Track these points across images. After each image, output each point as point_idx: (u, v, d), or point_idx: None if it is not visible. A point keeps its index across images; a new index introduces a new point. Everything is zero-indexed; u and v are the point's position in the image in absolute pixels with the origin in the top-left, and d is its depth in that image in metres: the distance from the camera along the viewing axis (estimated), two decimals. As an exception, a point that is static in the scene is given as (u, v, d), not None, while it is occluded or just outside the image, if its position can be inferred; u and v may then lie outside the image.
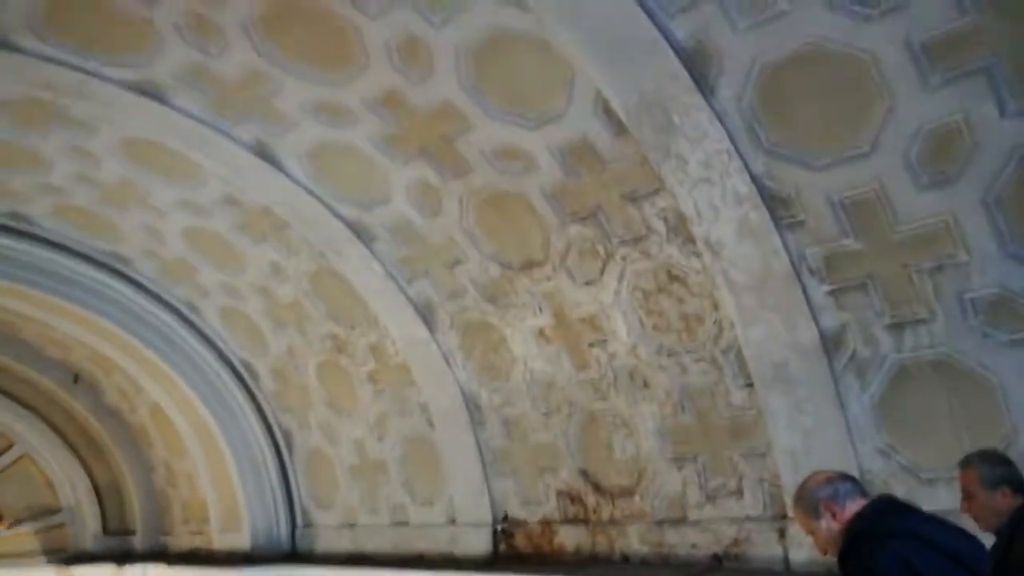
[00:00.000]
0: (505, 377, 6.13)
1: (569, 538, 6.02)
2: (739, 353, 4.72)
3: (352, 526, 8.15)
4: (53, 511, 10.56)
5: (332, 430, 8.07)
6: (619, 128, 4.48)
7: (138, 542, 10.65)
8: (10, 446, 10.35)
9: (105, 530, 10.67)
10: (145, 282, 7.97)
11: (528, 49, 4.39)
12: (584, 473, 5.91)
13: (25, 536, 10.32)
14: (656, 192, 4.67)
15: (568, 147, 4.77)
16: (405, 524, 7.53)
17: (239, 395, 8.51)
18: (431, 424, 6.86)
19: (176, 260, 7.56)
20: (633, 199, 4.81)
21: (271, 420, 8.69)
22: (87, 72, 5.18)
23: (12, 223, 7.38)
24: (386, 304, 6.64)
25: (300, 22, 4.58)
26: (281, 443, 8.73)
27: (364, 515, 8.02)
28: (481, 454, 6.48)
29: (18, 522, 10.24)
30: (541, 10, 4.07)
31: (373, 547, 7.79)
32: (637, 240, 4.95)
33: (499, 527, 6.56)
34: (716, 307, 4.76)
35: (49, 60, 5.10)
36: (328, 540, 8.48)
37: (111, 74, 5.21)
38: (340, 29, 4.56)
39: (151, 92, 5.33)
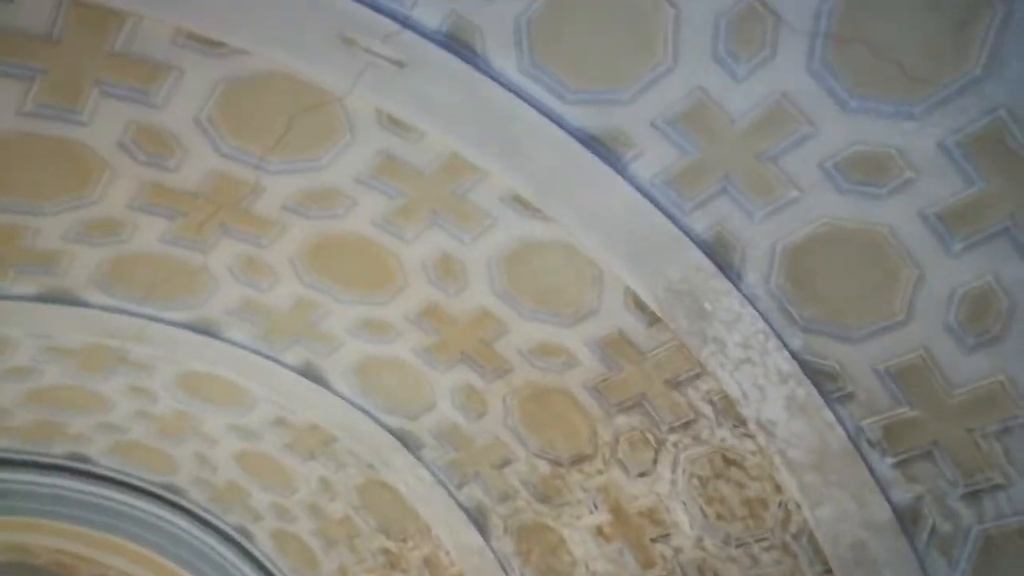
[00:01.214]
0: (568, 582, 5.86)
1: None
2: (811, 537, 4.49)
3: None
4: None
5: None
6: (652, 318, 4.58)
7: None
8: None
9: None
10: (198, 511, 7.96)
11: (554, 253, 4.61)
12: None
13: None
14: (698, 376, 4.67)
15: (605, 341, 4.86)
16: None
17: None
18: (495, 639, 6.46)
19: (228, 485, 7.59)
20: (676, 384, 4.81)
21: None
22: (146, 317, 5.52)
23: (71, 463, 7.56)
24: (437, 512, 6.51)
25: (342, 253, 4.90)
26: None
27: None
28: (551, 670, 6.05)
29: None
30: (562, 218, 4.33)
31: None
32: (686, 425, 4.88)
33: None
34: (778, 489, 4.59)
35: (112, 310, 5.46)
36: None
37: (168, 317, 5.55)
38: (380, 255, 4.87)
39: (205, 329, 5.64)
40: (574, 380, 5.17)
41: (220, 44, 3.58)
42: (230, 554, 8.15)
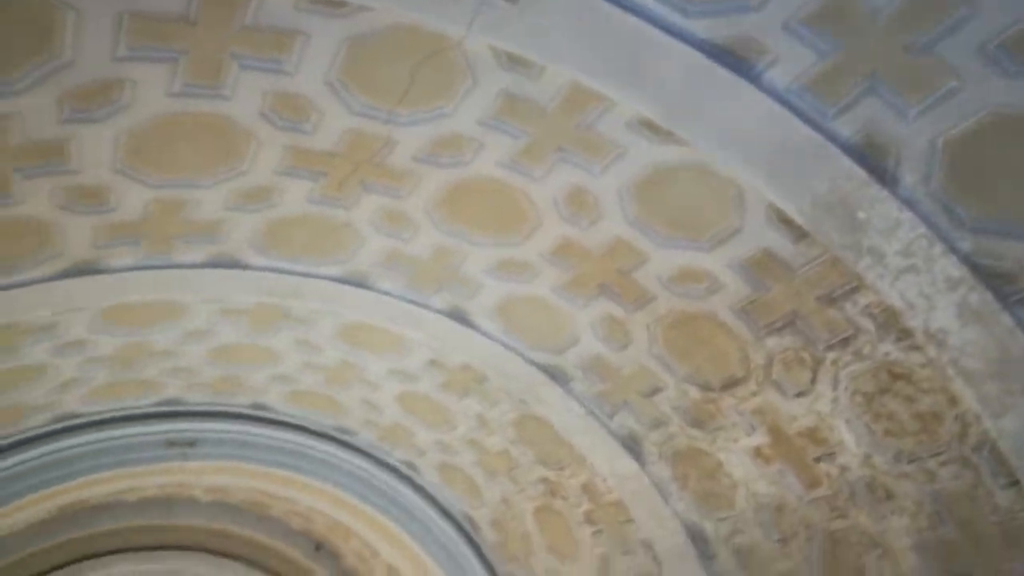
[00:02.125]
0: (728, 505, 5.83)
1: None
2: (994, 449, 4.20)
3: (595, 677, 7.83)
4: None
5: (557, 574, 7.97)
6: (799, 234, 4.35)
7: None
8: (270, 617, 11.13)
9: None
10: (369, 449, 8.55)
11: (689, 176, 4.45)
12: (839, 602, 5.36)
13: None
14: (855, 290, 4.42)
15: (749, 261, 4.68)
16: (649, 671, 7.13)
17: (466, 549, 8.69)
18: (657, 562, 6.59)
19: (392, 425, 8.08)
20: (831, 300, 4.57)
21: (498, 571, 8.74)
22: (302, 275, 5.88)
23: (255, 412, 8.30)
24: (590, 442, 6.63)
25: (475, 198, 4.98)
26: (512, 593, 8.73)
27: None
28: (718, 590, 6.11)
29: None
30: (695, 139, 4.15)
31: None
32: (845, 342, 4.66)
33: (752, 670, 6.03)
34: (954, 401, 4.31)
35: (271, 271, 5.86)
36: None
37: (322, 272, 5.88)
38: (511, 196, 4.90)
39: (357, 282, 5.93)
40: (719, 304, 5.04)
41: (341, 4, 3.65)
42: (400, 486, 8.73)
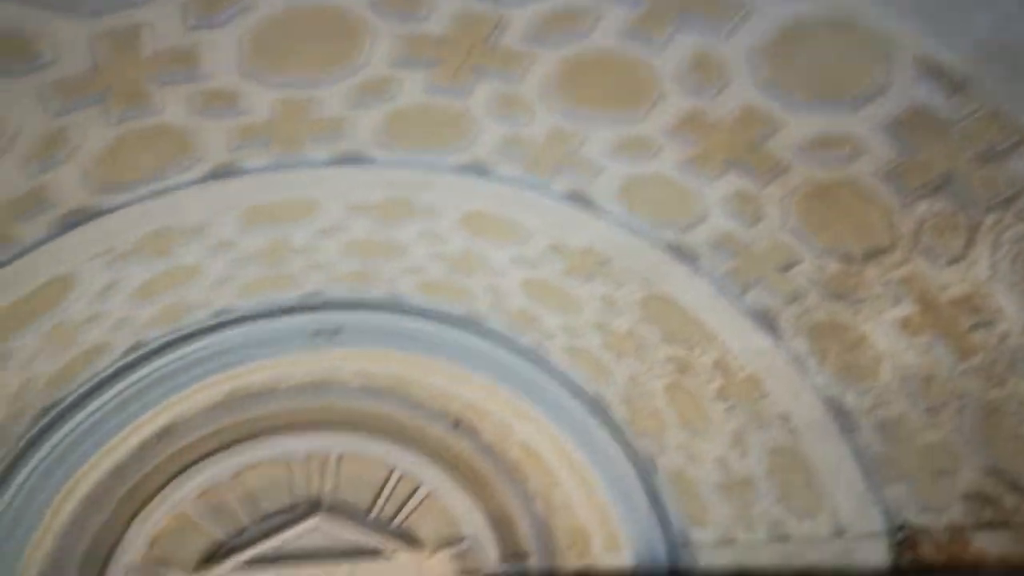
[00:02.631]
0: (871, 377, 5.63)
1: (990, 545, 5.28)
2: None
3: (730, 542, 8.06)
4: (460, 540, 12.04)
5: (691, 450, 8.10)
6: (955, 86, 3.93)
7: (533, 565, 11.68)
8: (417, 487, 12.06)
9: (504, 555, 11.89)
10: (499, 334, 8.81)
11: (828, 31, 4.07)
12: (995, 471, 5.15)
13: (445, 561, 11.91)
14: (1019, 144, 3.99)
15: (897, 121, 4.29)
16: (786, 539, 7.24)
17: (597, 426, 8.96)
18: (794, 435, 6.54)
19: (519, 311, 8.25)
20: (991, 158, 4.15)
21: (631, 446, 8.99)
22: (424, 167, 5.94)
23: (390, 302, 8.69)
24: (721, 319, 6.52)
25: (591, 75, 4.78)
26: (644, 467, 8.99)
27: (740, 531, 7.88)
28: (860, 461, 6.01)
29: (437, 549, 11.86)
30: (837, -14, 3.76)
31: (756, 563, 7.62)
32: (1008, 202, 4.25)
33: (898, 537, 5.99)
34: None
35: (394, 164, 5.95)
36: (708, 557, 8.48)
37: (443, 163, 5.91)
38: (630, 69, 4.67)
39: (476, 170, 5.94)
40: (862, 170, 4.69)
41: None
42: (530, 368, 9.00)
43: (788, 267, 5.70)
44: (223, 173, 5.57)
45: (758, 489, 7.34)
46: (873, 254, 5.09)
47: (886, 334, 5.36)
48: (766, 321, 6.23)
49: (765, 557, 7.47)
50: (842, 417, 6.05)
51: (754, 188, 5.30)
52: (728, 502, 7.89)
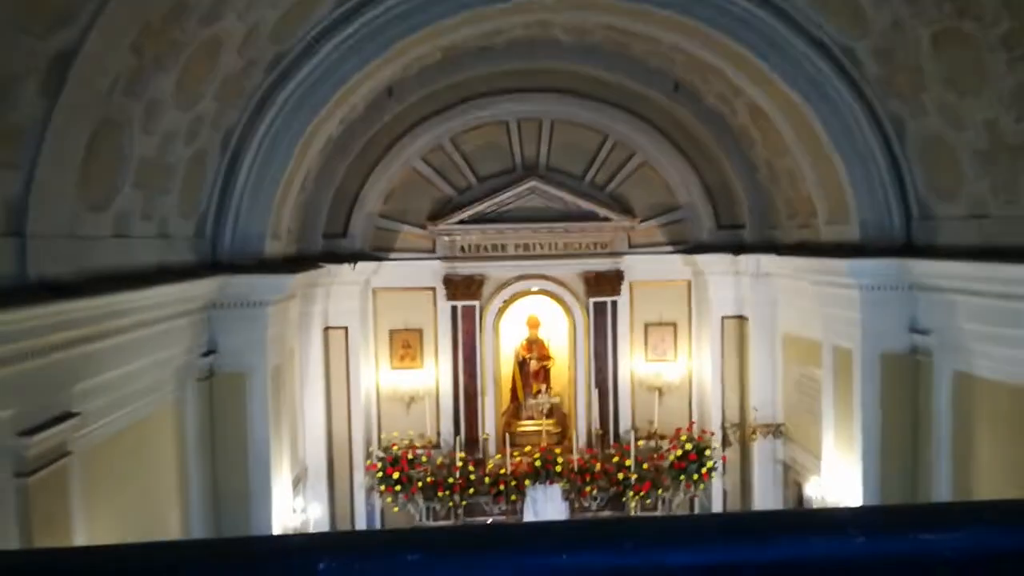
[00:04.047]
0: None
1: None
2: None
3: (982, 218, 7.22)
4: (673, 208, 12.01)
5: (953, 112, 6.98)
6: None
7: (748, 235, 11.50)
8: (631, 155, 11.87)
9: (718, 224, 11.77)
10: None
11: None
12: None
13: (654, 229, 12.07)
14: None
15: None
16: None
17: (840, 86, 7.94)
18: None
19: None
20: None
21: (877, 109, 7.96)
22: None
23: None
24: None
25: None
26: (890, 132, 8.00)
27: (997, 206, 6.98)
28: None
29: (647, 218, 11.97)
30: None
31: (1009, 240, 6.81)
32: None
33: None
34: None
35: None
36: (951, 232, 7.74)
37: None
38: None
39: None
40: None
41: None
42: (767, 16, 7.92)
43: None
44: None
45: (1034, 156, 6.29)
46: None
47: None
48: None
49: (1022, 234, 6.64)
50: None
51: None
52: (989, 172, 6.91)
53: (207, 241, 8.13)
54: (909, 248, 8.26)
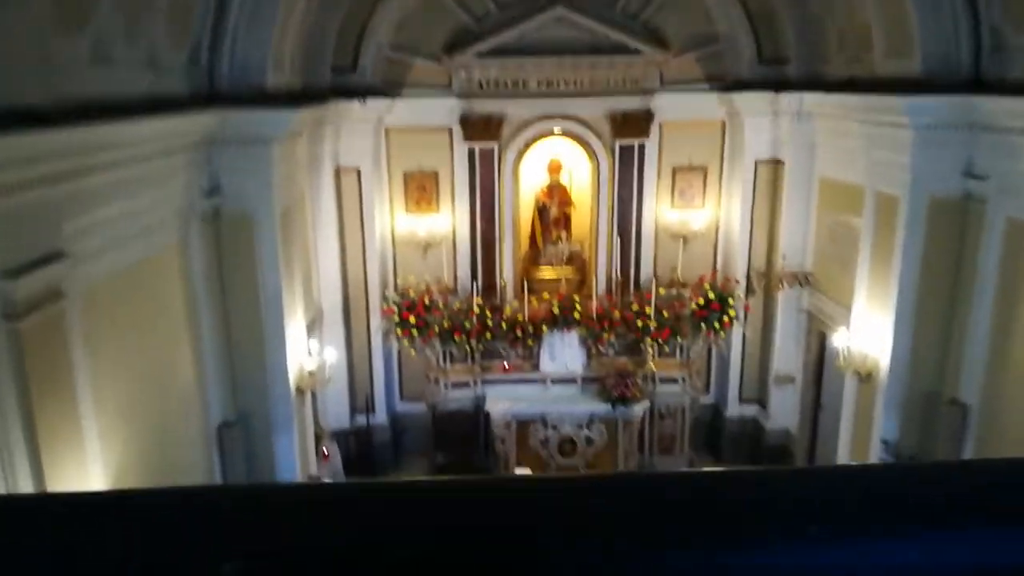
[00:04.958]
0: None
1: None
2: None
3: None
4: (712, 40, 10.97)
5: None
6: None
7: (792, 70, 10.54)
8: (667, -21, 10.70)
9: (760, 58, 10.77)
10: None
11: None
12: None
13: (690, 64, 11.10)
14: None
15: None
16: None
17: None
18: None
19: None
20: None
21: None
22: None
23: None
24: None
25: None
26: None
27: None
28: None
29: (682, 51, 10.97)
30: None
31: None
32: None
33: None
34: None
35: None
36: (1026, 66, 6.91)
37: None
38: None
39: None
40: None
41: None
42: None
43: None
44: None
45: None
46: None
47: None
48: None
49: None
50: None
51: None
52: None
53: (203, 70, 7.44)
54: (976, 83, 7.43)
